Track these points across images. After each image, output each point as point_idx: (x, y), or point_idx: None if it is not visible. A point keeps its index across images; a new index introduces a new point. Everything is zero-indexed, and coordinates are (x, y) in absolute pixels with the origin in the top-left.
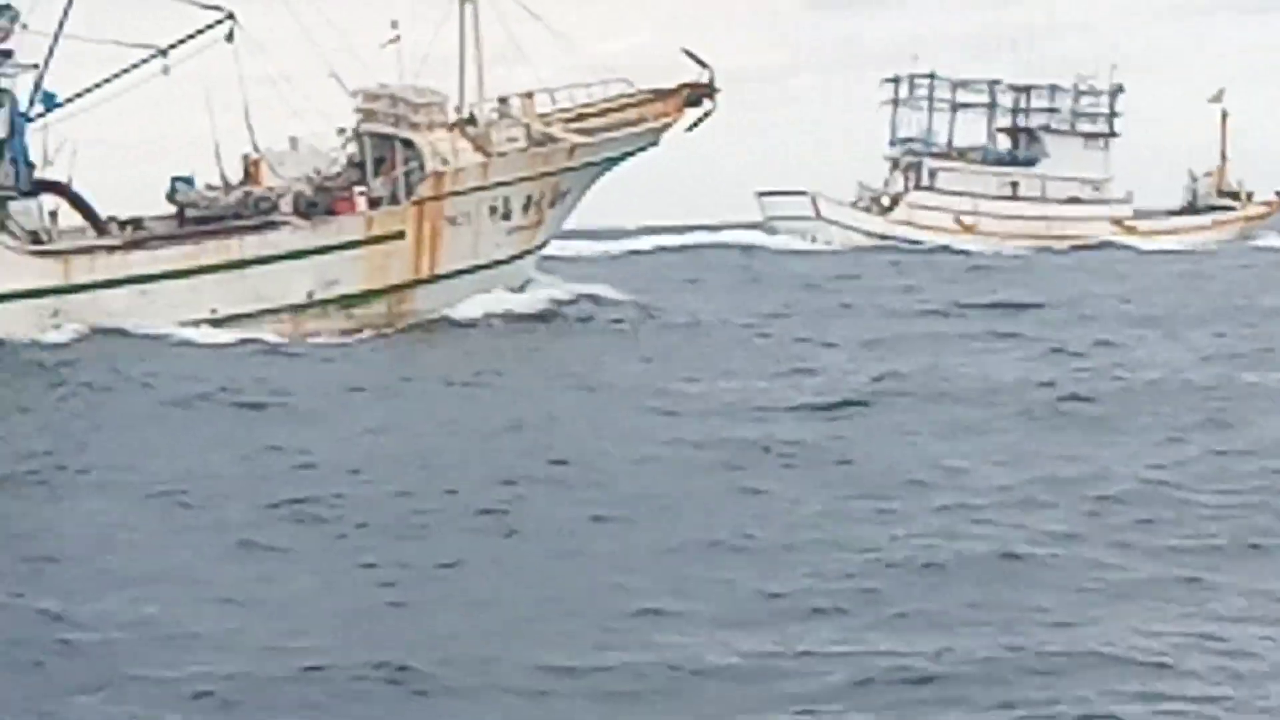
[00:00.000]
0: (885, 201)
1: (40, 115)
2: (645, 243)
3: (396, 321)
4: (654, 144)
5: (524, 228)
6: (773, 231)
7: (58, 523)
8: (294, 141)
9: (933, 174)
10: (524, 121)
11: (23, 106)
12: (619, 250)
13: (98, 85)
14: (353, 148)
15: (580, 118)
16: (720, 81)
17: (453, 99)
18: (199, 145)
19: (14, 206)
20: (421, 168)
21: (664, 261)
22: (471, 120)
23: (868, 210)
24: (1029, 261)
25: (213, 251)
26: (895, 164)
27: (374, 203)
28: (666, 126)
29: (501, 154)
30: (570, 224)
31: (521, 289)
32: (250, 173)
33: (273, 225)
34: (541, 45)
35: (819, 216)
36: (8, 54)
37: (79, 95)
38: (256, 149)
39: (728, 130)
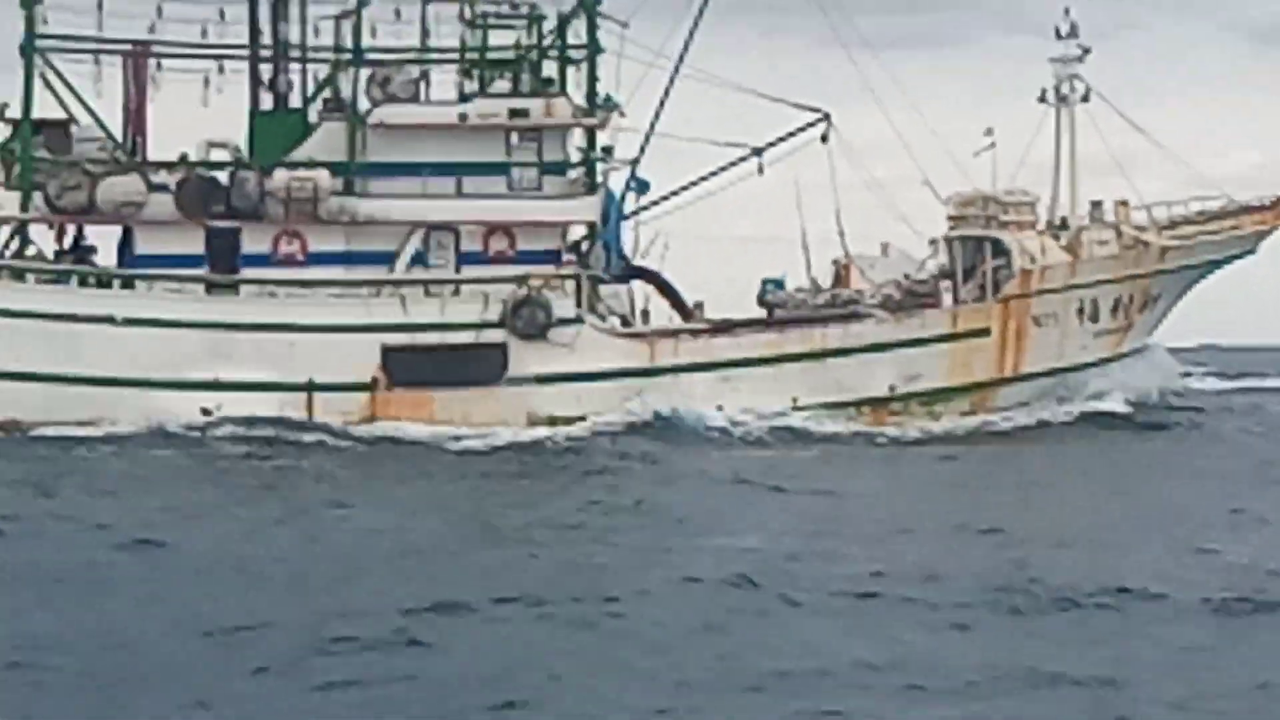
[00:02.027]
0: None
1: (635, 212)
2: None
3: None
4: (1250, 252)
5: (1112, 331)
6: None
7: None
8: (885, 247)
9: None
10: (1115, 225)
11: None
12: None
13: (694, 183)
14: (944, 256)
15: (1174, 225)
16: None
17: (1045, 204)
18: (788, 245)
19: (605, 290)
20: (1009, 266)
21: None
22: (1064, 224)
23: None
24: None
25: (795, 340)
26: None
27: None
28: (1263, 235)
29: (1091, 256)
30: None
31: (1108, 394)
32: (840, 276)
33: (857, 317)
34: (1148, 161)
35: None
36: (609, 150)
37: (676, 192)
38: (847, 253)
39: None
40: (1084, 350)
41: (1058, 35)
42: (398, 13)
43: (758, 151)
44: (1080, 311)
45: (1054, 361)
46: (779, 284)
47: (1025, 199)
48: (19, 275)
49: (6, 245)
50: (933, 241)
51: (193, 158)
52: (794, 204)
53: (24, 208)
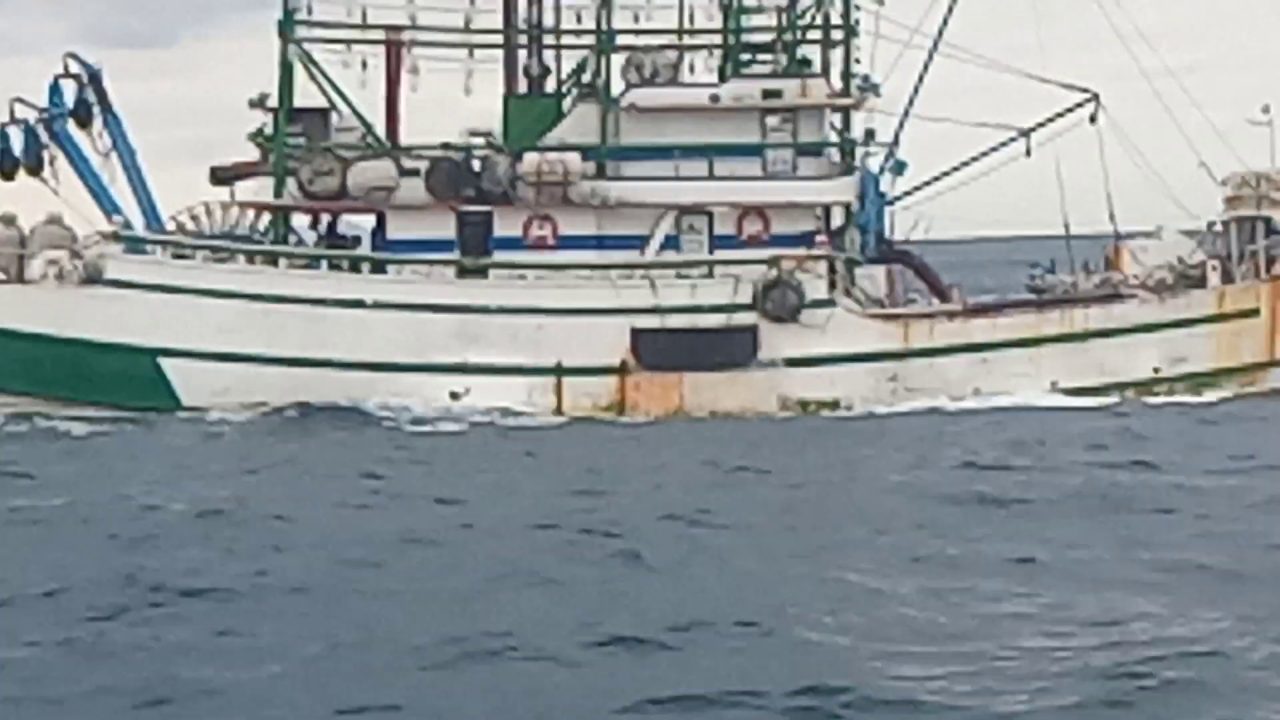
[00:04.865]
0: None
1: (901, 196)
2: None
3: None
4: None
5: None
6: None
7: None
8: (1159, 230)
9: None
10: None
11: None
12: None
13: (960, 165)
14: (1220, 240)
15: None
16: None
17: None
18: (1052, 228)
19: (860, 273)
20: None
21: None
22: None
23: None
24: None
25: (1055, 322)
26: None
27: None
28: None
29: None
30: None
31: None
32: (1112, 260)
33: (1119, 298)
34: None
35: None
36: (871, 133)
37: (941, 175)
38: (1118, 236)
39: None
40: None
41: None
42: None
43: (1025, 133)
44: None
45: None
46: (1049, 269)
47: None
48: (272, 260)
49: (267, 232)
50: (1211, 224)
51: None
52: (1058, 187)
53: (278, 194)
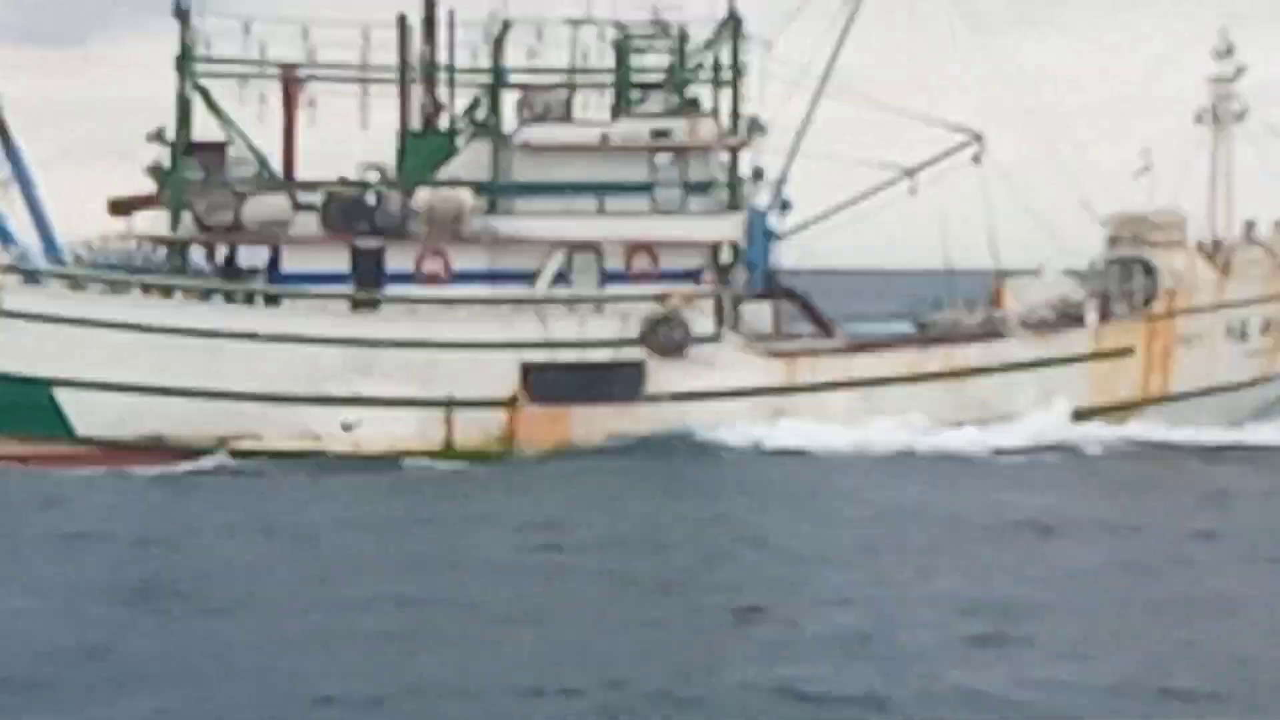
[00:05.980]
0: None
1: (787, 233)
2: None
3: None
4: None
5: (1263, 351)
6: None
7: None
8: (1040, 269)
9: None
10: (1269, 245)
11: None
12: None
13: (845, 204)
14: (1101, 279)
15: None
16: None
17: (1201, 223)
18: (936, 261)
19: (746, 309)
20: (1156, 286)
21: None
22: (1217, 244)
23: None
24: None
25: (937, 359)
26: None
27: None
28: None
29: (1242, 275)
30: None
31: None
32: (995, 298)
33: (998, 335)
34: None
35: None
36: (760, 172)
37: (831, 212)
38: (1000, 275)
39: None
40: (1233, 371)
41: (1215, 56)
42: (539, 33)
43: (909, 173)
44: (1229, 331)
45: (1201, 382)
46: (933, 305)
47: (1173, 219)
48: (167, 292)
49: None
50: (1093, 264)
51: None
52: (941, 226)
53: (174, 227)
